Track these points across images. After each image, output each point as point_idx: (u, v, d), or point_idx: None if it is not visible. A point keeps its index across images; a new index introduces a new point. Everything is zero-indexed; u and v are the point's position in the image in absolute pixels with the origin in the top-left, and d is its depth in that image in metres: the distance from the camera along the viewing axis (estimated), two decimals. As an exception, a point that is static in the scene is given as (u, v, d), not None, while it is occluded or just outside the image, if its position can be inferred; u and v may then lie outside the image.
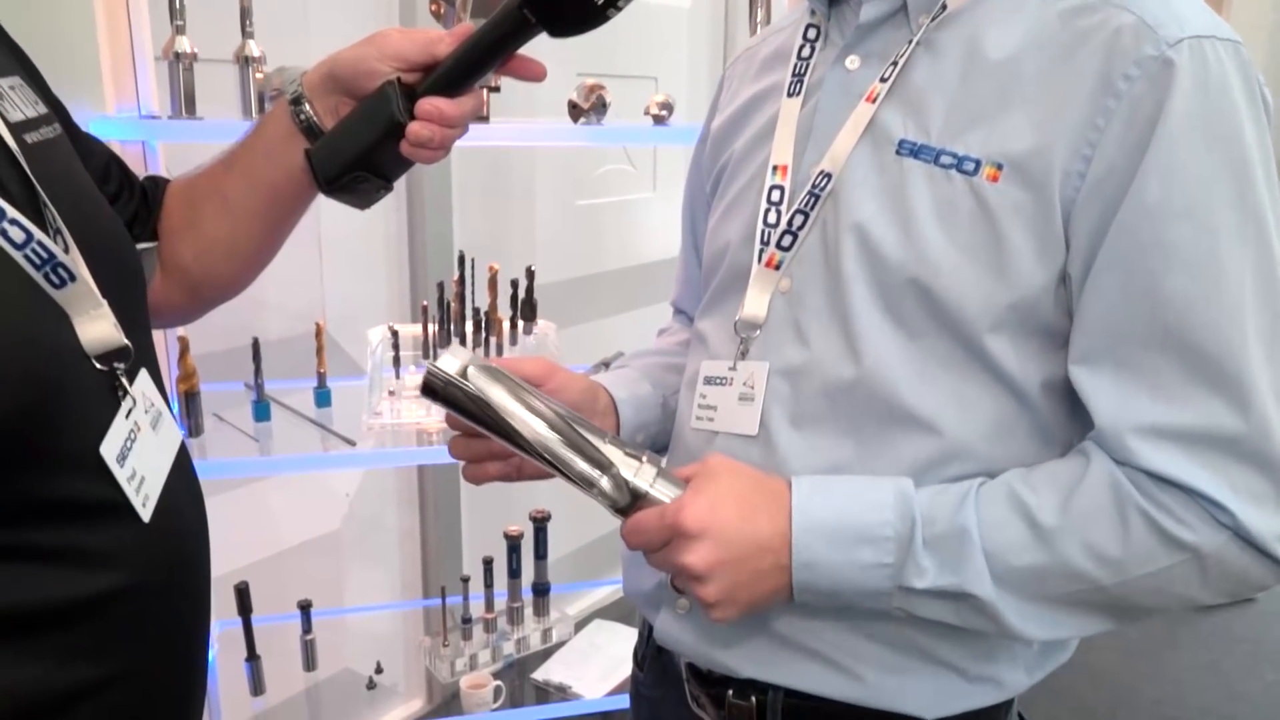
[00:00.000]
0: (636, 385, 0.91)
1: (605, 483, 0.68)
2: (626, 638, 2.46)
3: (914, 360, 0.70)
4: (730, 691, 0.80)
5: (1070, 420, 0.72)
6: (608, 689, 2.30)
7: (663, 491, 0.69)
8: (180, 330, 1.48)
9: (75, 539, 0.61)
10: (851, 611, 0.73)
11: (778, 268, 0.76)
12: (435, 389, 0.69)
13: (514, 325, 1.72)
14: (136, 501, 0.64)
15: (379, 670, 2.13)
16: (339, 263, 1.97)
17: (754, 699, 0.79)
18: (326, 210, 1.73)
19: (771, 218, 0.77)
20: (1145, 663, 2.62)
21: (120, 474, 0.63)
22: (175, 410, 1.47)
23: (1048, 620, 0.68)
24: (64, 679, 0.61)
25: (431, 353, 1.63)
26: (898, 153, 0.70)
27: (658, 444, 0.93)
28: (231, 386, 1.66)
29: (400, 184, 0.84)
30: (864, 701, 0.75)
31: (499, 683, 1.98)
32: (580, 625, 2.48)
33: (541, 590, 1.84)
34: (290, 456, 1.49)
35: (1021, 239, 0.66)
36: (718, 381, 0.80)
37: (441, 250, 2.10)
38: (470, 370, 0.68)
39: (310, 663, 1.73)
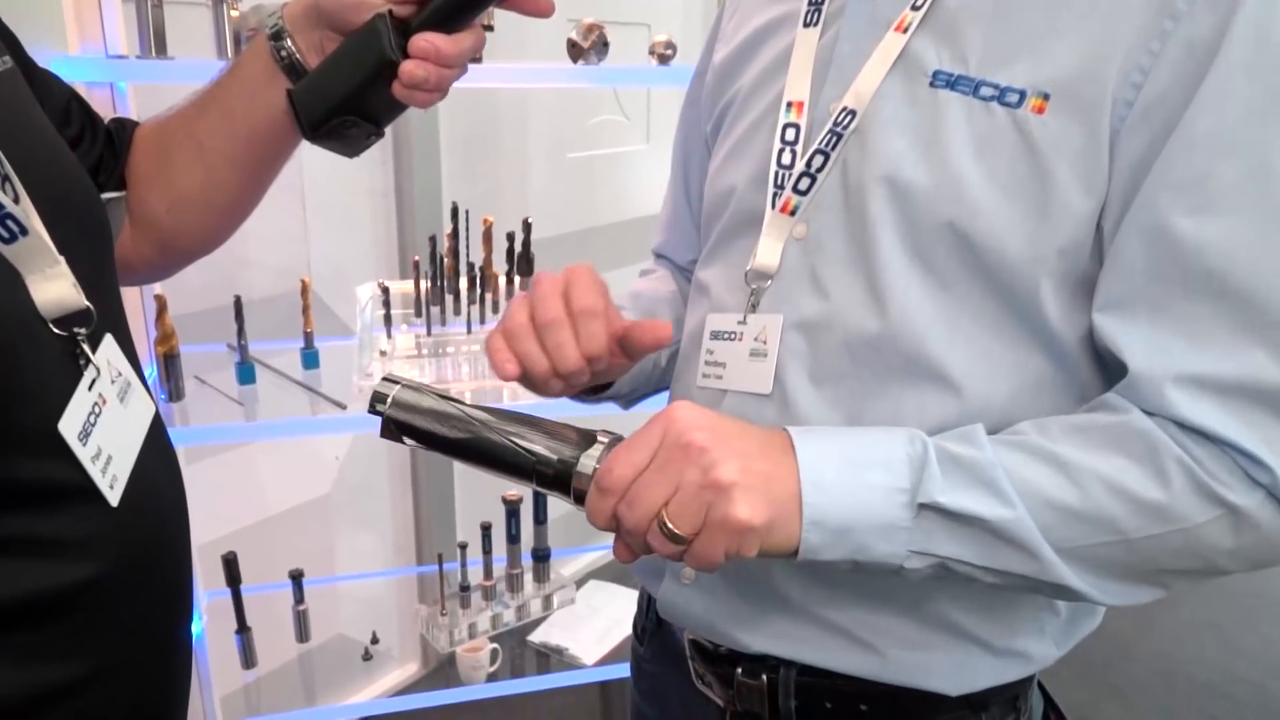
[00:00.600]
0: None
1: (550, 473, 0.60)
2: (623, 599, 2.45)
3: (945, 312, 0.65)
4: (739, 670, 0.75)
5: (1105, 380, 0.67)
6: (604, 651, 2.29)
7: None
8: (157, 288, 1.40)
9: (36, 527, 0.55)
10: (871, 580, 0.68)
11: (793, 213, 0.70)
12: (377, 408, 0.60)
13: (510, 280, 1.65)
14: (103, 484, 0.57)
15: (375, 641, 2.09)
16: (323, 216, 1.90)
17: (765, 677, 0.74)
18: (309, 159, 1.65)
19: (786, 158, 0.71)
20: (1144, 618, 2.62)
21: (83, 454, 0.56)
22: (154, 374, 1.40)
23: (1087, 579, 0.62)
24: (35, 680, 0.56)
25: (424, 310, 1.55)
26: (932, 85, 0.65)
27: (633, 392, 0.88)
28: (213, 348, 1.59)
29: (386, 133, 0.77)
30: (884, 678, 0.70)
31: (495, 645, 1.94)
32: (577, 586, 2.45)
33: (541, 556, 1.79)
34: (277, 421, 1.42)
35: (1068, 176, 0.61)
36: (726, 336, 0.74)
37: (430, 204, 2.03)
38: (402, 389, 0.61)
39: (303, 634, 1.69)
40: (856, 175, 0.67)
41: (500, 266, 1.66)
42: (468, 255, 1.61)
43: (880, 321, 0.66)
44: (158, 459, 0.66)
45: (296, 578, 1.65)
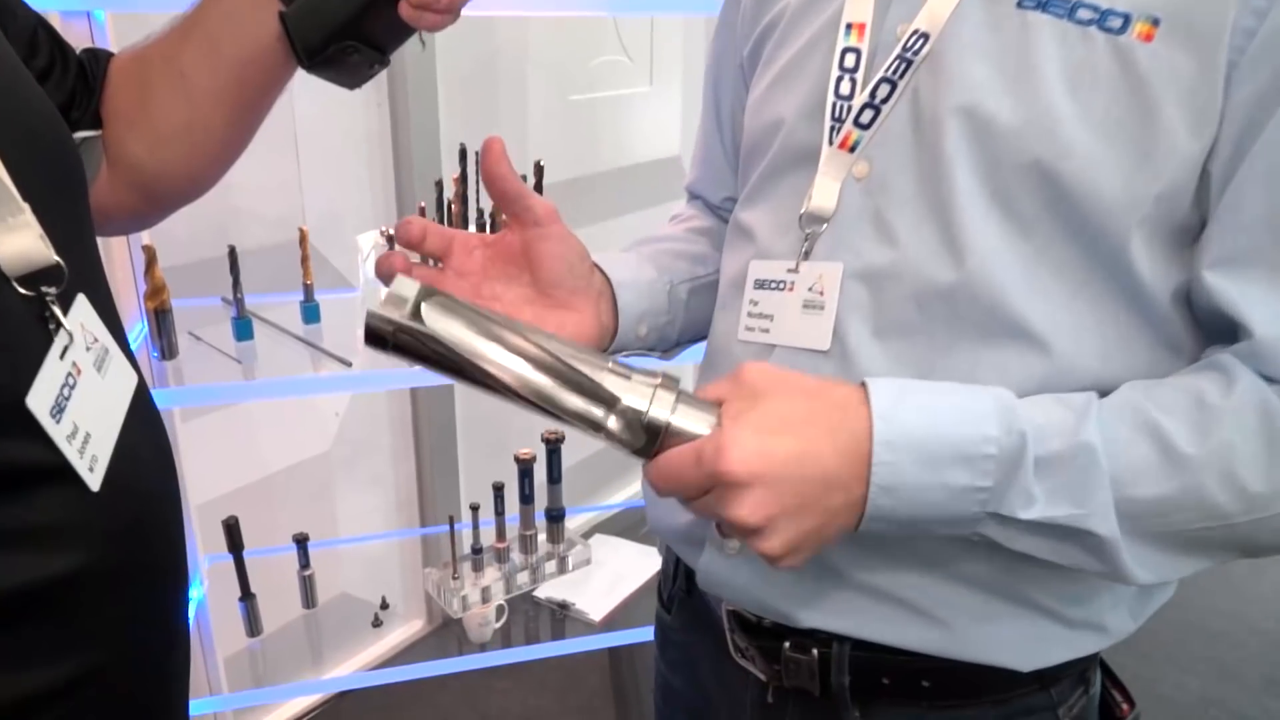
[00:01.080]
0: (639, 269, 0.77)
1: (613, 422, 0.55)
2: (628, 552, 2.45)
3: (1025, 262, 0.59)
4: (786, 644, 0.70)
5: (1195, 336, 0.61)
6: (611, 606, 2.28)
7: (689, 421, 0.55)
8: (145, 238, 1.32)
9: (8, 516, 0.48)
10: (935, 549, 0.63)
11: (853, 149, 0.63)
12: (383, 336, 0.54)
13: (518, 229, 1.56)
14: (81, 466, 0.50)
15: (384, 606, 2.04)
16: (316, 161, 1.81)
17: (815, 652, 0.69)
18: (301, 99, 1.53)
19: (844, 88, 0.65)
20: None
21: (56, 432, 0.49)
22: (144, 331, 1.33)
23: (1160, 562, 0.58)
24: (20, 684, 0.49)
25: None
26: (1020, 5, 0.58)
27: (664, 338, 0.81)
28: (205, 302, 1.51)
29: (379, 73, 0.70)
30: (949, 653, 0.65)
31: (502, 601, 1.88)
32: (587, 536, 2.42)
33: (555, 516, 1.73)
34: (279, 380, 1.34)
35: (1175, 113, 0.54)
36: (773, 285, 0.68)
37: (428, 147, 1.95)
38: (425, 307, 0.53)
39: (310, 599, 1.63)
40: (930, 107, 0.60)
41: (508, 214, 1.57)
42: (477, 201, 1.53)
43: (956, 271, 0.60)
44: (143, 435, 0.59)
45: (301, 542, 1.59)
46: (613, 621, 2.24)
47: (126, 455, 0.55)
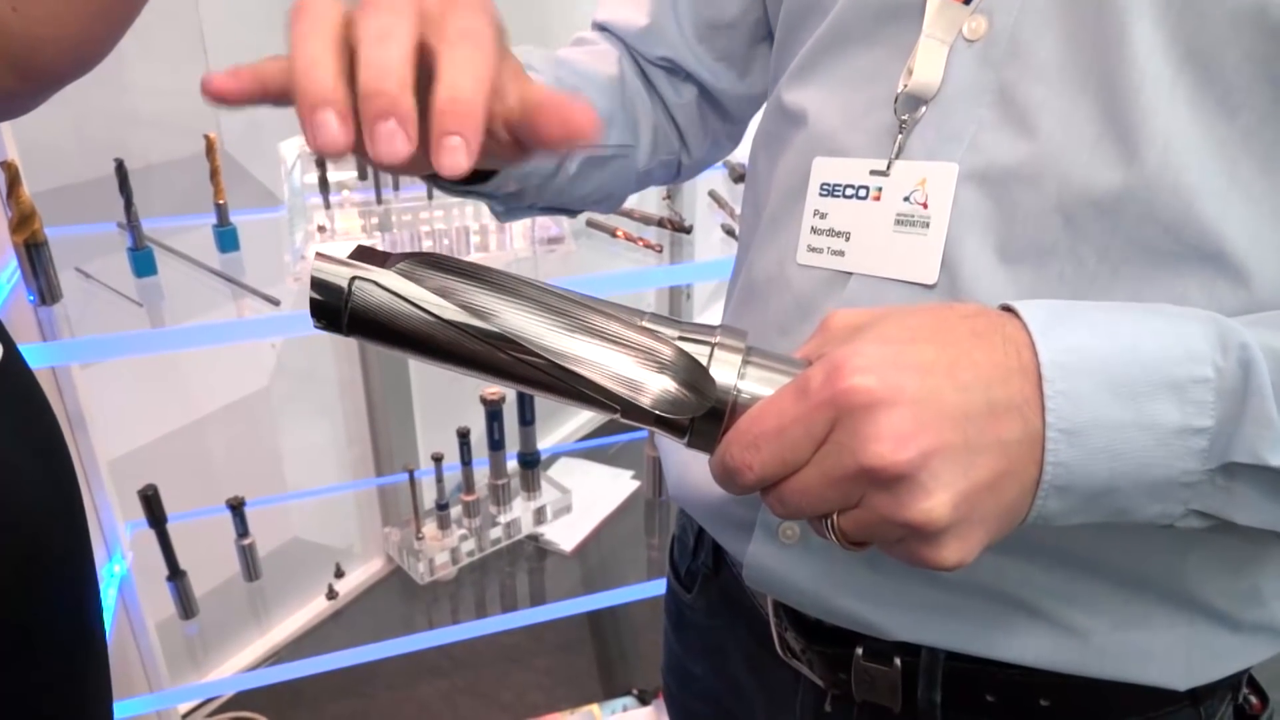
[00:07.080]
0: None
1: (659, 399, 0.40)
2: (596, 476, 2.32)
3: (1220, 152, 0.43)
4: (859, 650, 0.56)
5: None
6: (582, 536, 2.18)
7: (766, 386, 0.40)
8: (11, 150, 1.06)
9: None
10: (1063, 529, 0.46)
11: (968, 0, 0.47)
12: (332, 311, 0.39)
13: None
14: None
15: (339, 574, 1.90)
16: (228, 59, 1.54)
17: (899, 662, 0.55)
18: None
19: None
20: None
21: None
22: (17, 270, 1.08)
23: None
24: None
25: (371, 171, 1.24)
26: None
27: (522, 203, 0.64)
28: (99, 229, 1.26)
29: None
30: (1085, 670, 0.51)
31: (463, 530, 1.70)
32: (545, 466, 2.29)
33: (529, 461, 1.54)
34: (195, 326, 1.10)
35: None
36: (847, 192, 0.52)
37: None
38: (389, 273, 0.39)
39: (251, 571, 1.43)
40: None
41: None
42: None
43: (1126, 169, 0.43)
44: (17, 436, 0.39)
45: (236, 507, 1.38)
46: (585, 550, 2.12)
47: None
